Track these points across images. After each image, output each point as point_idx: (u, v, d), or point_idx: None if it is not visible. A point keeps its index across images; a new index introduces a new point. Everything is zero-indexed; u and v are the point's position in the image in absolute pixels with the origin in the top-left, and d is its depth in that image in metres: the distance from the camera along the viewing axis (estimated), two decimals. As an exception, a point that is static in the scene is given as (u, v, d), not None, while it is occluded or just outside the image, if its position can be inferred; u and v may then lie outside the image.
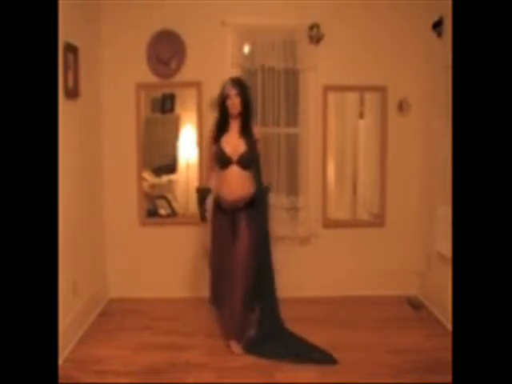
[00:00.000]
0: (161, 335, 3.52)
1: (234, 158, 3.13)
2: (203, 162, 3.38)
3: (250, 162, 3.18)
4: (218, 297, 3.33)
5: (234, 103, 3.14)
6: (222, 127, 3.21)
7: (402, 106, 4.18)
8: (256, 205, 3.22)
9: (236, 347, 3.20)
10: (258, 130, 3.34)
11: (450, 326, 3.51)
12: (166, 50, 4.06)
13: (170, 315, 3.91)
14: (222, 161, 3.15)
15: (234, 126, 3.21)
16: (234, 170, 3.14)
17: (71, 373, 2.96)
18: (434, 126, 3.93)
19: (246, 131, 3.18)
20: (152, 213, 4.38)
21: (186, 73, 4.12)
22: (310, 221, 4.21)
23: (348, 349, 3.24)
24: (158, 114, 4.41)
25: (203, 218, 3.35)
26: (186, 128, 4.37)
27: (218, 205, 3.23)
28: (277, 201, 4.15)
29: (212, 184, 3.32)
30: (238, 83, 3.20)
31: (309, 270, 4.25)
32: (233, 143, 3.16)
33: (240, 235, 3.16)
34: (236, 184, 3.14)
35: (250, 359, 3.13)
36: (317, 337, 3.32)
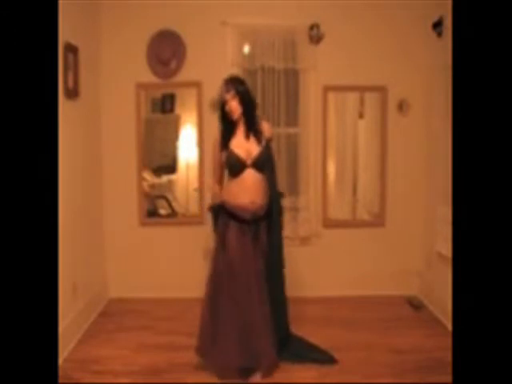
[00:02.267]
0: (161, 335, 3.52)
1: (249, 161, 2.83)
2: (212, 170, 3.01)
3: (265, 163, 2.89)
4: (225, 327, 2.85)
5: (232, 107, 2.85)
6: (227, 132, 2.92)
7: (401, 106, 4.18)
8: (273, 212, 2.93)
9: (257, 377, 2.87)
10: (268, 127, 3.00)
11: (450, 326, 3.51)
12: (166, 50, 4.06)
13: (170, 315, 3.91)
14: (235, 166, 2.84)
15: (241, 128, 2.90)
16: (251, 175, 2.83)
17: (71, 373, 2.96)
18: (434, 126, 3.93)
19: (254, 131, 2.89)
20: (152, 213, 4.38)
21: (186, 73, 4.12)
22: (310, 221, 4.21)
23: (348, 349, 3.24)
24: (158, 114, 4.42)
25: (216, 231, 3.01)
26: (185, 128, 4.37)
27: (233, 216, 2.86)
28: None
29: (223, 195, 2.95)
30: (232, 83, 2.89)
31: (309, 269, 4.25)
32: (244, 146, 2.86)
33: (261, 249, 2.85)
34: (255, 190, 2.84)
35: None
36: (317, 337, 3.32)
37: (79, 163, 3.57)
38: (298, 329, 3.38)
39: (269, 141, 2.95)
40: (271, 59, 4.06)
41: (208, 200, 4.22)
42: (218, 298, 2.87)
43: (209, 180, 3.07)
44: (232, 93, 2.84)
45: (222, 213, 2.89)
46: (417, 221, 4.26)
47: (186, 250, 4.28)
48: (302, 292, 4.14)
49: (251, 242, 2.83)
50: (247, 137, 2.88)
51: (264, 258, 2.89)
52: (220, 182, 2.99)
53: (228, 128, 2.92)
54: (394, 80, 4.14)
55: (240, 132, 2.90)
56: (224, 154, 2.88)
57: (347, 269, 4.28)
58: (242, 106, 2.87)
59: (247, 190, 2.82)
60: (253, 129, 2.89)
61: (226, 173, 2.97)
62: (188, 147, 4.36)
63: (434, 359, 3.10)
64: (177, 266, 4.28)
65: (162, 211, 4.44)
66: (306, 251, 4.25)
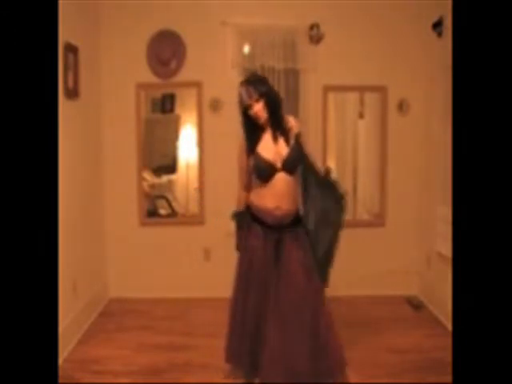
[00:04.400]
0: (161, 335, 3.52)
1: (278, 164, 2.54)
2: (239, 177, 2.74)
3: (296, 163, 2.59)
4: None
5: (258, 112, 2.52)
6: (253, 136, 2.61)
7: (401, 106, 4.18)
8: (302, 221, 2.63)
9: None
10: (294, 121, 2.64)
11: (450, 326, 3.51)
12: (166, 50, 4.06)
13: (170, 315, 3.91)
14: (265, 171, 2.55)
15: (267, 130, 2.59)
16: (281, 179, 2.54)
17: (71, 373, 2.96)
18: (434, 126, 3.93)
19: (281, 130, 2.59)
20: (152, 213, 4.38)
21: (186, 73, 4.12)
22: (310, 221, 4.20)
23: (348, 349, 3.23)
24: (158, 114, 4.42)
25: (239, 247, 2.72)
26: (185, 128, 4.37)
27: (256, 219, 2.62)
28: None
29: (250, 198, 2.68)
30: (253, 85, 2.54)
31: (309, 270, 4.24)
32: (272, 149, 2.56)
33: (285, 261, 2.57)
34: (284, 195, 2.56)
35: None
36: (317, 337, 3.32)
37: (79, 163, 3.57)
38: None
39: (298, 136, 2.61)
40: (271, 59, 4.06)
41: (208, 201, 4.26)
42: (242, 298, 2.64)
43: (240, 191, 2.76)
44: (255, 97, 2.50)
45: (247, 215, 2.67)
46: (417, 221, 4.26)
47: (186, 250, 4.28)
48: (302, 292, 4.13)
49: (273, 248, 2.56)
50: (275, 138, 2.57)
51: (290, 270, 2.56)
52: (247, 189, 2.69)
53: (253, 132, 2.61)
54: (394, 80, 4.14)
55: (267, 134, 2.59)
56: (251, 160, 2.58)
57: (347, 269, 4.26)
58: (268, 108, 2.53)
59: (275, 195, 2.55)
60: (280, 129, 2.58)
61: (254, 179, 2.68)
62: (188, 147, 4.36)
63: (434, 359, 3.10)
64: (177, 266, 4.28)
65: (162, 211, 4.44)
66: (306, 251, 4.25)
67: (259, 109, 2.52)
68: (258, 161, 2.55)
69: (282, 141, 2.57)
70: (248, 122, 2.60)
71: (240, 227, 2.71)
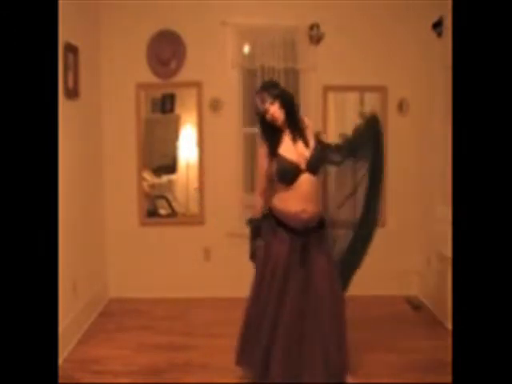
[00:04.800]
0: (161, 335, 3.52)
1: (302, 165, 2.52)
2: (257, 183, 2.73)
3: (320, 163, 2.59)
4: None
5: (274, 114, 2.53)
6: (273, 140, 2.59)
7: (401, 106, 4.18)
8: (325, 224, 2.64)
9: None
10: (309, 122, 2.70)
11: (450, 326, 3.51)
12: (166, 50, 4.06)
13: (169, 315, 3.91)
14: (289, 173, 2.52)
15: (286, 132, 2.60)
16: (306, 180, 2.52)
17: (71, 373, 2.96)
18: (434, 126, 3.93)
19: (299, 130, 2.59)
20: (152, 213, 4.38)
21: (186, 73, 4.12)
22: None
23: (348, 349, 3.24)
24: (158, 114, 4.42)
25: (253, 256, 2.69)
26: (185, 128, 4.37)
27: (281, 223, 2.57)
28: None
29: (273, 201, 2.64)
30: (265, 90, 2.58)
31: (309, 270, 4.24)
32: (293, 151, 2.55)
33: (310, 268, 2.55)
34: (309, 197, 2.53)
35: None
36: (317, 337, 3.32)
37: (79, 163, 3.57)
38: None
39: (318, 135, 2.65)
40: (271, 59, 4.06)
41: (208, 201, 4.26)
42: (260, 303, 2.62)
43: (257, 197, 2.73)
44: (270, 100, 2.53)
45: (269, 219, 2.62)
46: (417, 221, 4.26)
47: (186, 250, 4.28)
48: (302, 292, 4.14)
49: (298, 254, 2.53)
50: (294, 140, 2.57)
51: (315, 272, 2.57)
52: (264, 194, 2.67)
53: (273, 135, 2.60)
54: (394, 80, 4.14)
55: (286, 137, 2.59)
56: (274, 164, 2.55)
57: (347, 269, 4.28)
58: (284, 109, 2.55)
59: (301, 197, 2.52)
60: (298, 130, 2.59)
61: (277, 183, 2.63)
62: (188, 147, 4.36)
63: (434, 359, 3.10)
64: (177, 266, 4.28)
65: (162, 211, 4.44)
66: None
67: (275, 110, 2.53)
68: (283, 163, 2.52)
69: (300, 141, 2.57)
70: (267, 127, 2.59)
71: (255, 235, 2.65)
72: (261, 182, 2.66)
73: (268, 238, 2.60)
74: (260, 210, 2.67)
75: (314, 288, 2.54)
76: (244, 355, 2.70)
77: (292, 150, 2.55)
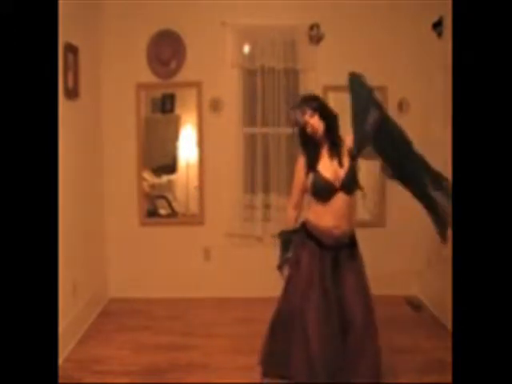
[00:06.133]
0: (161, 335, 3.52)
1: (337, 184, 2.48)
2: (291, 195, 2.68)
3: (354, 184, 2.55)
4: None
5: (314, 125, 2.51)
6: (313, 154, 2.56)
7: (401, 106, 4.18)
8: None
9: None
10: (345, 138, 2.63)
11: (450, 326, 3.51)
12: (166, 50, 4.06)
13: (169, 315, 3.91)
14: (324, 191, 2.49)
15: (324, 147, 2.57)
16: (340, 199, 2.48)
17: (71, 373, 2.96)
18: (434, 126, 3.93)
19: (336, 146, 2.57)
20: (152, 213, 4.38)
21: (186, 73, 4.12)
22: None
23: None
24: (158, 114, 4.42)
25: (281, 267, 2.62)
26: (185, 128, 4.37)
27: (313, 237, 2.55)
28: (277, 202, 4.17)
29: (307, 214, 2.62)
30: (304, 103, 2.58)
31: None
32: (330, 168, 2.52)
33: (341, 285, 2.54)
34: (342, 215, 2.50)
35: (251, 359, 3.12)
36: (317, 337, 3.31)
37: (79, 163, 3.57)
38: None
39: (350, 152, 2.57)
40: (271, 59, 4.06)
41: (208, 201, 4.26)
42: (291, 316, 2.58)
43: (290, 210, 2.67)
44: (309, 112, 2.52)
45: (299, 232, 2.60)
46: (417, 221, 4.23)
47: (186, 250, 4.28)
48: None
49: (329, 268, 2.51)
50: (332, 157, 2.54)
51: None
52: (298, 206, 2.65)
53: (313, 149, 2.57)
54: (394, 80, 4.14)
55: (325, 152, 2.56)
56: (310, 178, 2.53)
57: (347, 269, 4.28)
58: (324, 121, 2.54)
59: (334, 214, 2.49)
60: (336, 146, 2.56)
61: (312, 197, 2.61)
62: (188, 147, 4.36)
63: (434, 359, 3.10)
64: (177, 266, 4.28)
65: (162, 211, 4.44)
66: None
67: (315, 121, 2.51)
68: (319, 180, 2.50)
69: (337, 160, 2.53)
70: (306, 140, 2.57)
71: (286, 248, 2.62)
72: (295, 194, 2.63)
73: (297, 250, 2.58)
74: (292, 223, 2.64)
75: (345, 303, 2.53)
76: (271, 365, 2.70)
77: (329, 166, 2.52)
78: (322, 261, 2.51)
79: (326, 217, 2.49)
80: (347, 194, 2.49)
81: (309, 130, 2.52)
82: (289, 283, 2.60)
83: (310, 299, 2.49)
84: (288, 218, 2.67)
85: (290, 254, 2.60)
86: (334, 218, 2.48)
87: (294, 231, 2.61)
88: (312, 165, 2.53)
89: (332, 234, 2.50)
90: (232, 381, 2.89)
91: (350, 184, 2.51)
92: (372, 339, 2.62)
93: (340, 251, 2.53)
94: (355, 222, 2.65)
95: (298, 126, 2.56)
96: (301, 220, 2.64)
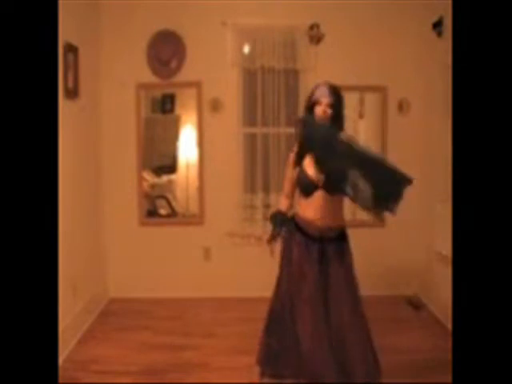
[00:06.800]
0: (161, 335, 3.52)
1: (318, 181, 2.52)
2: (284, 187, 2.78)
3: (337, 185, 2.50)
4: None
5: (327, 111, 2.52)
6: (304, 149, 2.60)
7: (401, 106, 4.18)
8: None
9: None
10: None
11: (450, 326, 3.51)
12: (166, 50, 4.06)
13: (169, 315, 3.91)
14: (306, 187, 2.57)
15: None
16: (322, 196, 2.53)
17: (71, 373, 2.96)
18: (434, 126, 3.93)
19: None
20: (152, 213, 4.38)
21: (186, 73, 4.12)
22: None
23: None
24: (158, 114, 4.42)
25: (271, 240, 2.68)
26: (185, 128, 4.37)
27: (300, 228, 2.60)
28: (277, 202, 4.16)
29: (295, 211, 2.70)
30: (333, 92, 2.57)
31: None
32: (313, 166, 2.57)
33: (329, 278, 2.56)
34: (325, 210, 2.55)
35: (251, 359, 3.12)
36: (317, 337, 3.31)
37: (79, 163, 3.57)
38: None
39: None
40: (271, 59, 4.06)
41: (208, 201, 4.26)
42: (282, 307, 2.65)
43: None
44: (329, 101, 2.53)
45: (289, 223, 2.67)
46: (417, 220, 4.25)
47: (186, 250, 4.28)
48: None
49: (317, 262, 2.54)
50: None
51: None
52: (289, 196, 2.74)
53: (301, 146, 2.62)
54: (394, 80, 4.14)
55: None
56: (296, 172, 2.63)
57: (347, 269, 4.28)
58: (332, 119, 2.57)
59: (316, 208, 2.55)
60: None
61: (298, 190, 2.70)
62: (188, 147, 4.36)
63: (434, 359, 3.09)
64: (177, 266, 4.27)
65: (162, 211, 4.44)
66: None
67: (327, 110, 2.52)
68: (301, 175, 2.59)
69: None
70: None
71: (278, 225, 2.68)
72: (286, 185, 2.76)
73: (288, 242, 2.65)
74: (285, 210, 2.73)
75: (333, 294, 2.55)
76: (268, 364, 2.71)
77: (313, 164, 2.55)
78: (311, 253, 2.56)
79: (309, 210, 2.58)
80: (328, 193, 2.53)
81: (318, 109, 2.52)
82: (280, 279, 2.66)
83: (301, 292, 2.54)
84: (281, 205, 2.78)
85: (282, 231, 2.67)
86: (316, 213, 2.55)
87: (287, 217, 2.70)
88: (298, 160, 2.63)
89: (315, 225, 2.56)
90: (232, 381, 2.89)
91: (331, 184, 2.50)
92: (360, 338, 2.64)
93: (327, 245, 2.58)
94: (345, 220, 2.70)
95: (310, 100, 2.55)
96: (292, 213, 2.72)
